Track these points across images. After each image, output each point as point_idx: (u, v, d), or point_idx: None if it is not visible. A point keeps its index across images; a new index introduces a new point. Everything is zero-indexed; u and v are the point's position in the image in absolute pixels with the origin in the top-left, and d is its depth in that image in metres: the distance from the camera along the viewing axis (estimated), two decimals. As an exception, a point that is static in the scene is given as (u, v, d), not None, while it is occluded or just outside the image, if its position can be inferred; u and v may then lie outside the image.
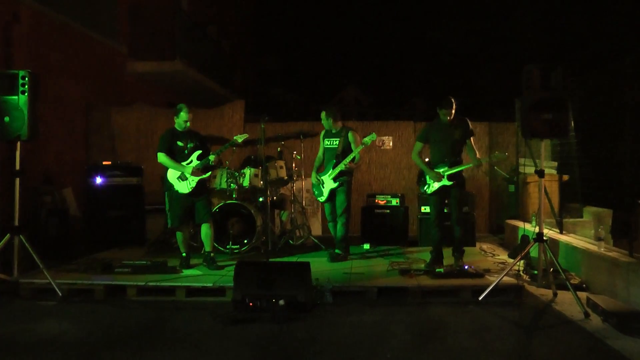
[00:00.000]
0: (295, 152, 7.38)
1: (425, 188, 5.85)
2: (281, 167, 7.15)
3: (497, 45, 16.41)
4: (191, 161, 5.83)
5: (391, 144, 9.06)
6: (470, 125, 5.79)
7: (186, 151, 5.86)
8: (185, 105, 5.85)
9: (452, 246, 5.90)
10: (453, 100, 5.63)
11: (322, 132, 6.63)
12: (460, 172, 5.71)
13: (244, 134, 6.20)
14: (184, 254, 5.95)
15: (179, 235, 5.96)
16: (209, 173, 6.13)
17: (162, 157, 5.81)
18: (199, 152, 5.88)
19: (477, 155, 5.75)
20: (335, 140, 6.39)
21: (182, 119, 5.82)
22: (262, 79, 20.39)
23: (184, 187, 5.79)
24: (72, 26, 8.54)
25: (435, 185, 5.73)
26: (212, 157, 5.82)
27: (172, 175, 5.84)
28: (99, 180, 7.47)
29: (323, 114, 6.43)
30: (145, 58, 10.48)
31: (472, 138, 5.79)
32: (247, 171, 6.92)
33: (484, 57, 17.06)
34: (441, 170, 5.69)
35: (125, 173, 7.61)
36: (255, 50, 20.59)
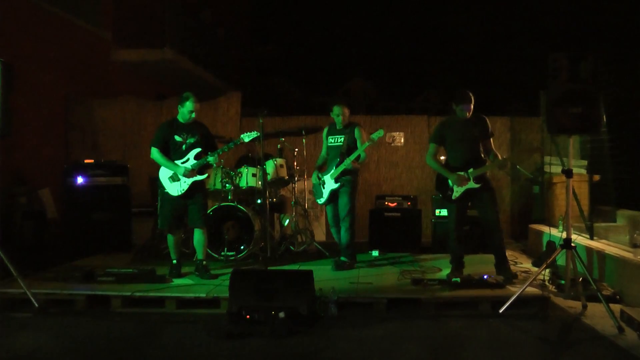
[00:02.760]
0: (296, 150, 7.38)
1: (448, 194, 5.70)
2: (281, 166, 7.14)
3: (520, 31, 16.35)
4: (187, 159, 5.72)
5: (402, 140, 9.04)
6: (489, 125, 5.74)
7: (184, 147, 5.75)
8: (193, 94, 5.76)
9: (495, 259, 5.70)
10: (471, 94, 5.59)
11: (325, 129, 6.62)
12: (485, 172, 5.66)
13: (253, 132, 6.02)
14: (174, 261, 5.91)
15: (169, 238, 5.92)
16: (206, 175, 5.93)
17: (154, 153, 5.74)
18: (198, 149, 5.77)
19: (499, 157, 5.70)
20: (340, 137, 6.38)
21: (187, 109, 5.73)
22: (260, 70, 20.43)
23: (174, 189, 5.72)
24: (50, 10, 8.56)
25: (460, 190, 5.68)
26: (211, 158, 5.69)
27: (163, 173, 5.77)
28: (79, 180, 7.47)
29: (337, 109, 6.32)
30: (131, 46, 10.51)
31: (491, 139, 5.72)
32: (244, 170, 6.92)
33: (505, 45, 17.00)
34: (467, 172, 5.61)
35: (109, 172, 7.60)
36: (254, 37, 20.63)
